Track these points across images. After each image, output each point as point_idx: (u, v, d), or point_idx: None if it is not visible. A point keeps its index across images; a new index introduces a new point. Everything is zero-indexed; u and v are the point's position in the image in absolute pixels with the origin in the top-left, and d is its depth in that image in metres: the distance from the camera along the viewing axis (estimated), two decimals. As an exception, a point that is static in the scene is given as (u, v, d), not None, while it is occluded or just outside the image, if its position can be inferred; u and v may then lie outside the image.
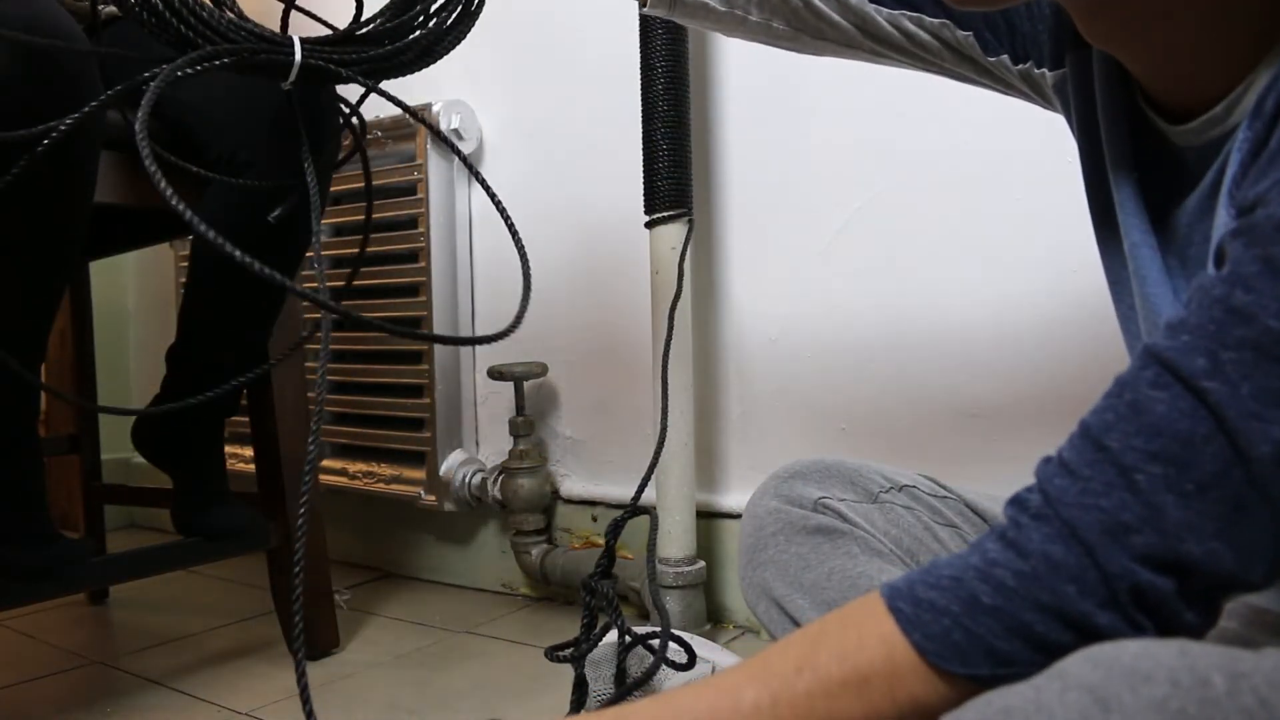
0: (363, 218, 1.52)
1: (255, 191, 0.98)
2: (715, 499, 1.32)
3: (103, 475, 1.55)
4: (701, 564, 1.27)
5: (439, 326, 1.48)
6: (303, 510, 0.48)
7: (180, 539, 1.18)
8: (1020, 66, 0.66)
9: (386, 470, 1.55)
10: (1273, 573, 0.40)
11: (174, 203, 0.46)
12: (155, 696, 1.13)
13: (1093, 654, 0.36)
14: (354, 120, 0.95)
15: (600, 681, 0.76)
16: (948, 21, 0.67)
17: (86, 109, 0.74)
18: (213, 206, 1.04)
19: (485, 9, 0.83)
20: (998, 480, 0.76)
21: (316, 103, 0.98)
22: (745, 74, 1.29)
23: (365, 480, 1.57)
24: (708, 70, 1.31)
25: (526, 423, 1.43)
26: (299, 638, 0.47)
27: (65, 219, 0.90)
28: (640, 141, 1.24)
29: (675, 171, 1.22)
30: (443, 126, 1.44)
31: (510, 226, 0.75)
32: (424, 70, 0.83)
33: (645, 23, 1.22)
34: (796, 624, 0.71)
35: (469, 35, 0.83)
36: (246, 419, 1.24)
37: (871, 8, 0.68)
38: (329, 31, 0.81)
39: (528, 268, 0.70)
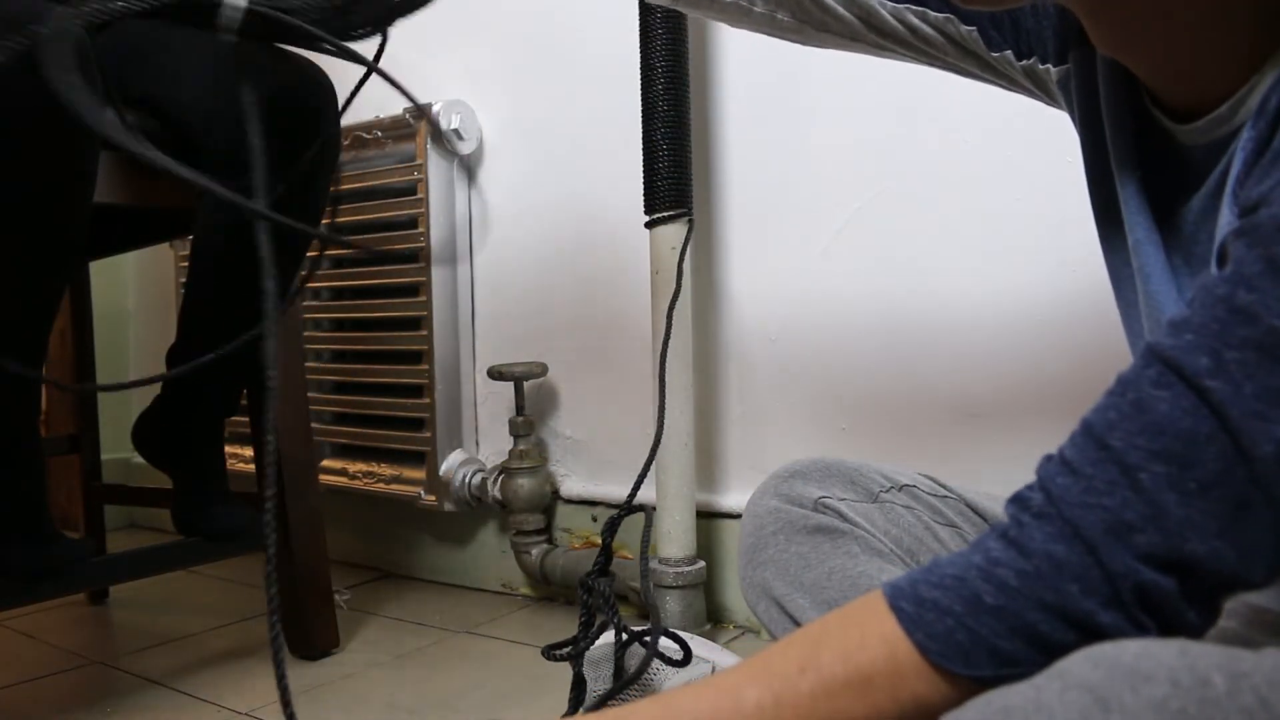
0: (363, 218, 1.53)
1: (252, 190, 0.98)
2: (715, 499, 1.32)
3: (103, 475, 1.55)
4: (701, 564, 1.26)
5: (439, 326, 1.48)
6: (270, 494, 0.47)
7: (180, 539, 1.18)
8: (1024, 62, 0.66)
9: (386, 470, 1.55)
10: (1274, 572, 0.40)
11: (143, 151, 0.43)
12: (155, 696, 1.13)
13: (1093, 654, 0.36)
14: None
15: (599, 680, 0.76)
16: (952, 16, 0.67)
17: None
18: (212, 205, 1.04)
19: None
20: (998, 479, 0.76)
21: (302, 80, 0.94)
22: (745, 73, 1.29)
23: (365, 480, 1.57)
24: (708, 70, 1.31)
25: (526, 423, 1.43)
26: (276, 638, 0.47)
27: (65, 219, 0.90)
28: (640, 141, 1.24)
29: (675, 171, 1.21)
30: (443, 126, 1.44)
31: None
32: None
33: (645, 22, 1.22)
34: (797, 624, 0.71)
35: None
36: (246, 419, 1.25)
37: (876, 1, 0.68)
38: None
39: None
